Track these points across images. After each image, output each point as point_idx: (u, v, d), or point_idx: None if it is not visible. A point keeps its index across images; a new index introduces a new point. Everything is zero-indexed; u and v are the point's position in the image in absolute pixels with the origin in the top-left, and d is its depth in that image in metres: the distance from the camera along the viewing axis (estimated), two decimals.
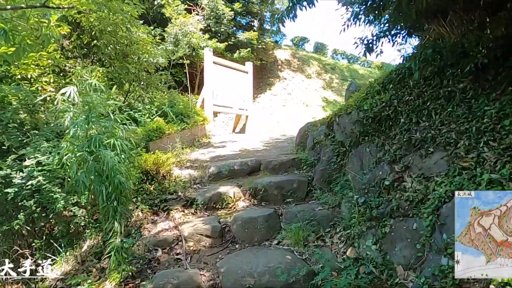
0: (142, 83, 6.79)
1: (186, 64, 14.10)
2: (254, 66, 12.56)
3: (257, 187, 4.15)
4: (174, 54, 11.21)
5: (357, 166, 3.92)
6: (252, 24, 16.04)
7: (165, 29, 11.35)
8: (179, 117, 6.71)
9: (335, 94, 17.01)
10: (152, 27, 12.05)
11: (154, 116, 6.08)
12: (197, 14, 12.58)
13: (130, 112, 5.49)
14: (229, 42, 13.26)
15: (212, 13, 12.92)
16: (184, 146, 6.35)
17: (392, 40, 4.70)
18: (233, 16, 13.37)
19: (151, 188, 4.23)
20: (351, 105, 4.42)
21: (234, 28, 15.37)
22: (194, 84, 13.87)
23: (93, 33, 5.64)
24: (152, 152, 4.95)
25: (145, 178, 4.36)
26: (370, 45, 4.71)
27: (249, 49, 13.23)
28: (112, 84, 6.01)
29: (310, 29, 73.47)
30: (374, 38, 4.53)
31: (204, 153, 6.23)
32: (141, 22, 6.90)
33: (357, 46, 4.92)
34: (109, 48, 6.07)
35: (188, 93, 14.82)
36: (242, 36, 13.40)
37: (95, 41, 5.73)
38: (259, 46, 14.16)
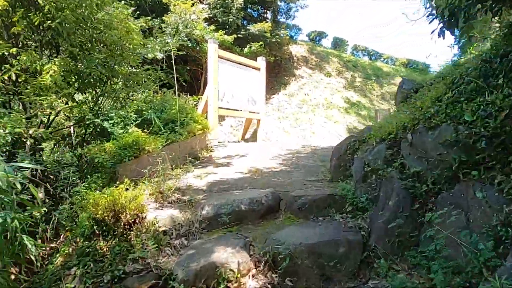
0: (128, 82, 5.24)
1: (189, 60, 12.61)
2: (267, 62, 10.92)
3: (278, 251, 2.50)
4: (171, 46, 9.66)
5: (457, 222, 2.22)
6: (265, 15, 14.40)
7: (163, 18, 9.80)
8: (169, 126, 5.11)
9: (358, 94, 15.21)
10: (149, 18, 10.57)
11: (133, 124, 4.49)
12: (201, 2, 11.00)
13: (95, 120, 3.93)
14: (238, 35, 11.64)
15: (219, 1, 11.32)
16: (175, 165, 4.75)
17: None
18: (243, 5, 11.75)
19: (104, 249, 2.62)
20: (433, 113, 2.72)
21: (245, 22, 13.79)
22: (200, 84, 12.33)
23: (45, 9, 4.09)
24: (118, 182, 3.36)
25: (99, 231, 2.76)
26: (453, 19, 3.13)
27: (261, 42, 11.60)
28: (78, 81, 4.47)
29: (328, 23, 71.04)
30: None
31: (200, 175, 4.61)
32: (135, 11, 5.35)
33: (431, 20, 3.32)
34: (75, 33, 4.53)
35: (192, 94, 13.28)
36: (254, 28, 11.77)
37: (49, 22, 4.17)
38: (273, 40, 12.51)
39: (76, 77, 4.47)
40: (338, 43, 20.74)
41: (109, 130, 4.21)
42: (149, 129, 4.75)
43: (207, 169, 5.00)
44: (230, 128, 11.50)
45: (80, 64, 4.56)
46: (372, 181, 3.01)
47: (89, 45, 4.80)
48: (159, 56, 9.88)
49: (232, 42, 11.11)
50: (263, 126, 10.29)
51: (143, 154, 3.98)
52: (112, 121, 4.27)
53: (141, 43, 5.05)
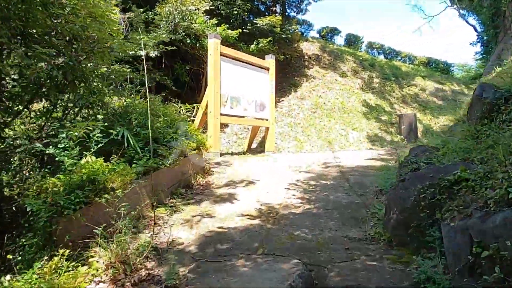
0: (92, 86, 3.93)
1: (189, 58, 11.32)
2: (277, 61, 9.58)
3: None
4: (163, 39, 8.39)
5: None
6: (273, 9, 13.06)
7: (156, 9, 8.51)
8: (151, 146, 3.78)
9: (377, 96, 13.80)
10: (142, 10, 9.29)
11: (96, 147, 3.17)
12: None
13: (38, 146, 2.64)
14: (244, 30, 10.32)
15: None
16: (158, 202, 3.44)
17: None
18: None
19: None
20: None
21: (251, 17, 12.47)
22: (201, 86, 11.05)
23: None
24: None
25: None
26: None
27: (270, 38, 10.26)
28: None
29: (340, 19, 69.06)
30: None
31: (191, 219, 3.30)
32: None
33: None
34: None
35: (192, 97, 11.98)
36: (261, 22, 10.43)
37: None
38: (283, 36, 11.16)
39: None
40: (352, 40, 19.32)
41: (58, 158, 2.91)
42: (121, 153, 3.43)
43: (201, 206, 3.67)
44: (234, 136, 10.19)
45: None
46: (495, 279, 1.64)
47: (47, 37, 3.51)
48: (152, 54, 8.62)
49: (236, 38, 9.80)
50: (272, 134, 8.96)
51: (101, 197, 2.67)
52: (63, 145, 2.97)
53: (112, 33, 3.72)
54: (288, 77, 13.13)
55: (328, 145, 9.69)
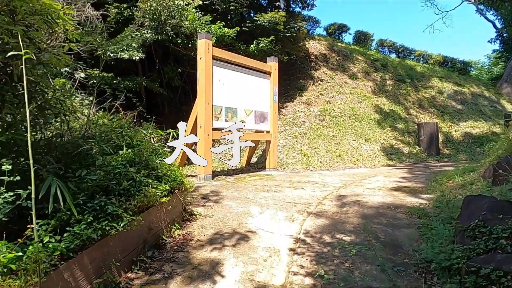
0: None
1: (183, 60, 10.18)
2: (280, 62, 8.41)
3: None
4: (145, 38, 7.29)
5: None
6: (277, 4, 11.87)
7: (138, 3, 7.37)
8: (101, 200, 2.66)
9: (391, 101, 12.60)
10: (125, 5, 8.16)
11: None
12: None
13: None
14: (243, 28, 9.18)
15: None
16: (103, 283, 2.33)
17: None
18: None
19: None
20: None
21: (251, 13, 11.30)
22: (196, 90, 9.92)
23: None
24: None
25: None
26: None
27: (272, 37, 9.09)
28: None
29: (348, 14, 66.90)
30: None
31: None
32: None
33: None
34: None
35: (186, 105, 10.92)
36: (263, 18, 9.25)
37: None
38: (287, 34, 9.98)
39: None
40: (362, 38, 18.10)
41: None
42: (50, 215, 2.31)
43: None
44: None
45: None
46: None
47: None
48: (136, 56, 7.51)
49: (234, 37, 8.65)
50: (274, 148, 7.81)
51: None
52: None
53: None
54: (293, 80, 11.96)
55: (338, 160, 8.53)
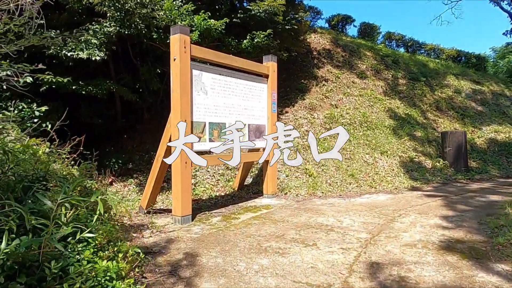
0: None
1: (165, 58, 8.66)
2: (278, 60, 6.95)
3: None
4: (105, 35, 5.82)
5: None
6: None
7: None
8: None
9: (405, 103, 11.20)
10: None
11: None
12: None
13: None
14: (234, 19, 7.69)
15: None
16: None
17: None
18: None
19: None
20: None
21: (244, 1, 9.79)
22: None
23: None
24: None
25: None
26: None
27: (269, 31, 7.61)
28: None
29: (351, 4, 64.23)
30: None
31: None
32: None
33: None
34: None
35: (161, 113, 9.44)
36: (258, 7, 7.76)
37: None
38: (287, 27, 8.50)
39: None
40: (367, 31, 16.64)
41: None
42: None
43: None
44: (221, 166, 7.61)
45: None
46: None
47: None
48: (97, 56, 6.01)
49: (223, 31, 7.16)
50: (274, 169, 6.38)
51: None
52: None
53: None
54: (293, 80, 10.51)
55: (351, 181, 7.12)
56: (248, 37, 7.72)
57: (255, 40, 7.63)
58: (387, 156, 8.22)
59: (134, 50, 8.70)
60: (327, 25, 16.33)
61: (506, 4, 20.31)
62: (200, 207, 5.69)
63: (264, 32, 7.58)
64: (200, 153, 5.82)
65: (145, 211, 5.17)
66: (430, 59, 16.18)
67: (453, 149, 8.38)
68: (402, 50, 17.10)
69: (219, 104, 5.30)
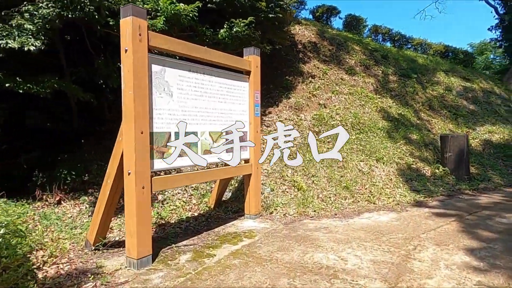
0: None
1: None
2: (261, 55, 5.92)
3: None
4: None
5: None
6: None
7: None
8: None
9: (397, 102, 10.46)
10: None
11: None
12: None
13: None
14: (209, 5, 6.59)
15: None
16: None
17: None
18: None
19: None
20: None
21: None
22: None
23: None
24: None
25: None
26: None
27: (250, 18, 6.57)
28: None
29: None
30: None
31: None
32: None
33: None
34: None
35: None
36: None
37: None
38: (270, 15, 7.48)
39: None
40: (353, 24, 15.86)
41: None
42: None
43: None
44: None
45: None
46: None
47: None
48: (31, 46, 4.78)
49: (195, 18, 6.04)
50: (257, 184, 5.38)
51: None
52: None
53: None
54: (277, 77, 9.52)
55: (346, 195, 6.23)
56: (225, 26, 6.64)
57: (234, 30, 6.57)
58: (383, 163, 7.40)
59: (92, 40, 7.43)
60: (311, 16, 15.44)
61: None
62: (167, 235, 4.62)
63: (244, 20, 6.53)
64: (160, 173, 4.84)
65: (93, 248, 4.04)
66: (418, 55, 15.61)
67: (454, 154, 7.66)
68: (388, 44, 16.48)
69: (189, 108, 4.23)
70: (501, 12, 19.09)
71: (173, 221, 5.23)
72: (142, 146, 3.51)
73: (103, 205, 3.92)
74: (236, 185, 6.40)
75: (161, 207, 5.66)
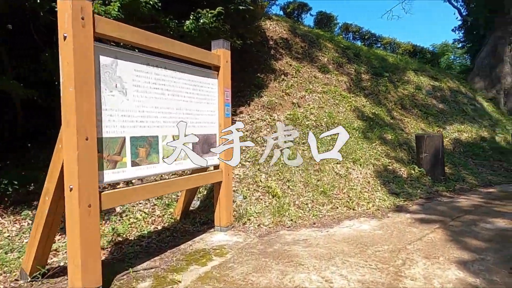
0: None
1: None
2: (232, 50, 5.40)
3: None
4: None
5: None
6: None
7: None
8: None
9: (371, 101, 10.31)
10: None
11: None
12: None
13: None
14: None
15: None
16: None
17: None
18: None
19: None
20: None
21: None
22: None
23: None
24: None
25: None
26: None
27: (219, 9, 6.01)
28: None
29: None
30: None
31: None
32: None
33: None
34: None
35: None
36: None
37: None
38: (241, 7, 6.96)
39: None
40: (324, 21, 15.68)
41: None
42: None
43: None
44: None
45: None
46: None
47: None
48: None
49: (157, 6, 5.40)
50: (228, 191, 4.86)
51: None
52: None
53: None
54: (248, 74, 9.02)
55: (324, 201, 5.85)
56: (192, 17, 6.04)
57: (201, 21, 5.98)
58: (360, 165, 7.11)
59: (39, 29, 6.56)
60: (282, 12, 15.07)
61: (454, 0, 20.75)
62: (124, 256, 3.99)
63: (212, 11, 5.97)
64: (112, 186, 4.23)
65: (29, 279, 3.34)
66: (388, 54, 15.71)
67: (429, 154, 7.53)
68: (359, 43, 16.47)
69: (148, 108, 3.62)
70: (464, 13, 19.74)
71: (132, 238, 4.58)
72: (88, 155, 2.87)
73: (40, 228, 3.23)
74: (205, 192, 5.84)
75: (119, 220, 4.99)
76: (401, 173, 7.49)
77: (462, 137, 10.90)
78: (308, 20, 18.23)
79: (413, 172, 7.59)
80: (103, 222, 4.91)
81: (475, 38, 18.51)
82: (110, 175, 3.17)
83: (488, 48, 16.37)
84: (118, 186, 5.01)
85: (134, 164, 3.43)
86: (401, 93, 11.76)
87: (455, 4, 19.91)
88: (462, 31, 20.48)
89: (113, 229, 4.65)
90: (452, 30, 20.50)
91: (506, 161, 10.38)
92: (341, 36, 15.09)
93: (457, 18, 20.50)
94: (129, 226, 4.88)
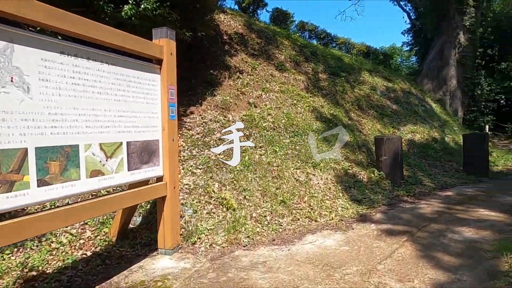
0: None
1: None
2: (179, 42, 4.67)
3: None
4: None
5: None
6: None
7: None
8: None
9: (329, 101, 10.06)
10: None
11: None
12: None
13: None
14: None
15: None
16: None
17: None
18: None
19: None
20: None
21: None
22: None
23: None
24: None
25: None
26: None
27: None
28: None
29: None
30: None
31: None
32: None
33: None
34: None
35: None
36: None
37: None
38: None
39: None
40: (280, 18, 15.31)
41: None
42: None
43: None
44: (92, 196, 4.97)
45: None
46: None
47: None
48: None
49: None
50: (175, 208, 4.14)
51: None
52: None
53: None
54: (200, 70, 8.28)
55: (284, 213, 5.33)
56: (131, 1, 5.19)
57: (143, 7, 5.16)
58: (321, 170, 6.72)
59: None
60: (237, 7, 14.44)
61: (403, 5, 21.53)
62: None
63: None
64: (13, 212, 3.34)
65: None
66: (344, 54, 15.76)
67: (389, 157, 7.37)
68: (315, 42, 16.35)
69: (64, 110, 2.81)
70: (413, 17, 20.56)
71: (51, 270, 3.69)
72: None
73: None
74: (148, 206, 5.05)
75: (37, 246, 4.06)
76: (361, 177, 7.24)
77: (415, 138, 11.08)
78: (264, 16, 17.95)
79: (373, 176, 7.37)
80: (15, 250, 3.95)
81: (423, 41, 19.32)
82: (4, 201, 2.34)
83: (435, 51, 17.11)
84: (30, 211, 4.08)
85: (42, 183, 2.62)
86: (358, 93, 11.70)
87: (405, 8, 20.67)
88: (411, 34, 21.35)
89: (25, 261, 3.72)
90: (402, 33, 21.27)
91: (455, 161, 10.71)
92: (297, 34, 14.83)
93: (406, 21, 21.33)
94: (48, 254, 3.97)
